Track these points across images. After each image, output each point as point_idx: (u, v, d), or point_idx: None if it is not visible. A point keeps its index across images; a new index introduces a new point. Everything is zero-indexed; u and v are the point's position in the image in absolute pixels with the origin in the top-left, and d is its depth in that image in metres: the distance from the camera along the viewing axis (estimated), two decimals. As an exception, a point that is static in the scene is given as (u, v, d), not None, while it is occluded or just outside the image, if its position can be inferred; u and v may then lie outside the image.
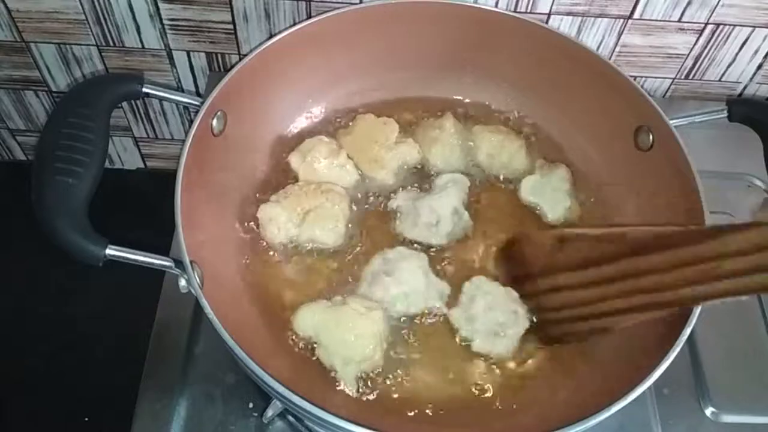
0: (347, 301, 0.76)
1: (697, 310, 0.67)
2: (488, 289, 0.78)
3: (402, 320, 0.79)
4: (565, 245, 0.56)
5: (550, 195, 0.86)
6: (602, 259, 0.54)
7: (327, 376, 0.75)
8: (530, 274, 0.60)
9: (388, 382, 0.75)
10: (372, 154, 0.88)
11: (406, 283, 0.78)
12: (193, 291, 0.66)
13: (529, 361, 0.77)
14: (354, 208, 0.86)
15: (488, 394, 0.76)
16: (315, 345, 0.76)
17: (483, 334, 0.76)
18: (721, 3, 0.95)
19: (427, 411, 0.74)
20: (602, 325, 0.59)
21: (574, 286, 0.58)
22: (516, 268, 0.61)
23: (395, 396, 0.75)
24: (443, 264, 0.83)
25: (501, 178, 0.90)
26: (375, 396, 0.74)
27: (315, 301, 0.78)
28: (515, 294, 0.75)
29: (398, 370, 0.76)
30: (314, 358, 0.76)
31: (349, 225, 0.85)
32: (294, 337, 0.77)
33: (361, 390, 0.74)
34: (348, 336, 0.74)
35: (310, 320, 0.76)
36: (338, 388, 0.74)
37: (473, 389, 0.76)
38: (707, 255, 0.48)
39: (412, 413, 0.74)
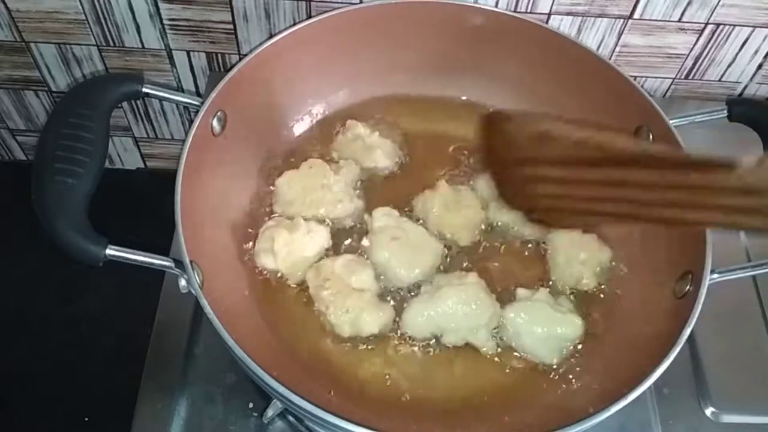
0: (436, 282, 0.78)
1: (697, 311, 0.67)
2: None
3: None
4: (547, 141, 0.55)
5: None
6: (583, 161, 0.53)
7: (328, 376, 0.75)
8: (510, 158, 0.59)
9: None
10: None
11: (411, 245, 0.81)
12: (193, 291, 0.66)
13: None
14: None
15: (487, 394, 0.76)
16: (438, 337, 0.77)
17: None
18: (721, 3, 0.95)
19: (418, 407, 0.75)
20: (583, 221, 0.62)
21: (554, 180, 0.57)
22: (498, 148, 0.61)
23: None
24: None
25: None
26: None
27: (409, 303, 0.79)
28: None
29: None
30: (327, 359, 0.77)
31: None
32: (399, 338, 0.78)
33: (498, 345, 0.78)
34: (467, 308, 0.76)
35: (422, 319, 0.77)
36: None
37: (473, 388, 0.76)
38: (690, 184, 0.48)
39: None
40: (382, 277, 0.81)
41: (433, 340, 0.78)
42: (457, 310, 0.76)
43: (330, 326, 0.77)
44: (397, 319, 0.78)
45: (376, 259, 0.81)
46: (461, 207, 0.85)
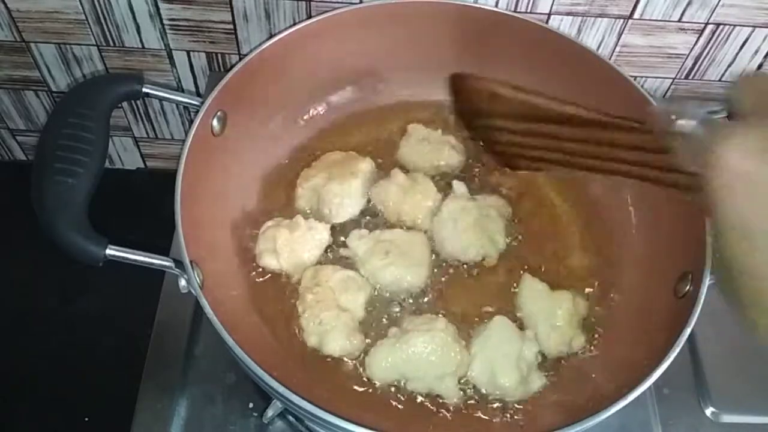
0: (405, 326, 0.76)
1: (697, 311, 0.67)
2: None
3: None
4: (499, 100, 0.67)
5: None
6: (531, 118, 0.66)
7: (330, 376, 0.75)
8: (477, 110, 0.71)
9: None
10: None
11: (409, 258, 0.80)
12: (193, 291, 0.66)
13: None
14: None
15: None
16: (402, 383, 0.74)
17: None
18: (721, 3, 0.95)
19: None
20: (536, 166, 0.70)
21: (511, 130, 0.69)
22: (464, 104, 0.74)
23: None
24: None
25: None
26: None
27: (375, 345, 0.75)
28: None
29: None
30: (328, 360, 0.76)
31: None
32: (367, 379, 0.75)
33: (468, 394, 0.75)
34: (432, 357, 0.73)
35: (386, 364, 0.73)
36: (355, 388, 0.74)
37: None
38: (606, 140, 0.60)
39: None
40: (387, 293, 0.81)
41: (400, 383, 0.75)
42: (423, 358, 0.73)
43: (300, 328, 0.77)
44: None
45: (384, 281, 0.80)
46: (416, 192, 0.85)
